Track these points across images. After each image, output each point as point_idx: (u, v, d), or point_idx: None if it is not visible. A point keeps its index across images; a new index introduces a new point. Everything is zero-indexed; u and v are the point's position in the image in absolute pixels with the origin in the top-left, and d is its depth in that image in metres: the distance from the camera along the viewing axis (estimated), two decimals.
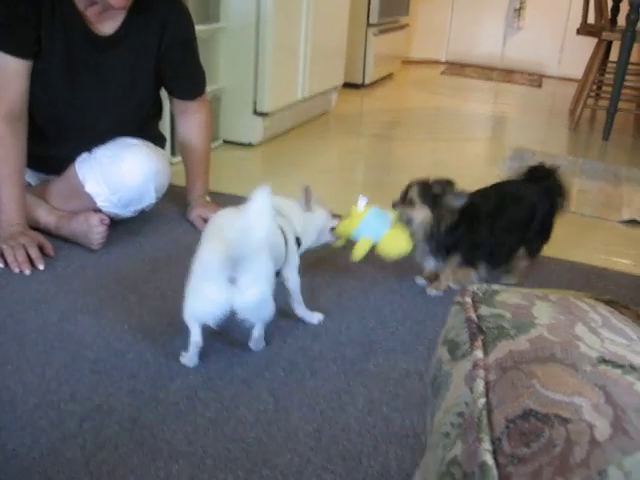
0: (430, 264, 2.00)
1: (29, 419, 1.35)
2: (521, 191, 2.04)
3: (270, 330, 1.70)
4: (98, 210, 2.11)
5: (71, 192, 2.15)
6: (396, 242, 1.85)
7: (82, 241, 2.08)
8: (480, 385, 0.52)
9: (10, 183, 2.00)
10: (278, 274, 1.70)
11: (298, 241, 1.76)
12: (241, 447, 1.32)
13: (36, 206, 2.13)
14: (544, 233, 2.05)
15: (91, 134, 2.15)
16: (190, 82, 2.34)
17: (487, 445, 0.46)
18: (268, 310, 1.56)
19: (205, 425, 1.37)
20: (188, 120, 2.37)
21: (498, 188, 2.05)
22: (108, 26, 2.06)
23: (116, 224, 2.15)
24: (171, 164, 2.41)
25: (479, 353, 0.56)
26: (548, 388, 0.49)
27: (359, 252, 1.85)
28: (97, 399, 1.43)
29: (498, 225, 1.96)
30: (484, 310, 0.62)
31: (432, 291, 2.01)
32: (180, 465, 1.26)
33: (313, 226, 1.83)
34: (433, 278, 2.03)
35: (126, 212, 2.16)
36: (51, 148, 2.20)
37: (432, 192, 1.89)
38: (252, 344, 1.64)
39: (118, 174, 2.09)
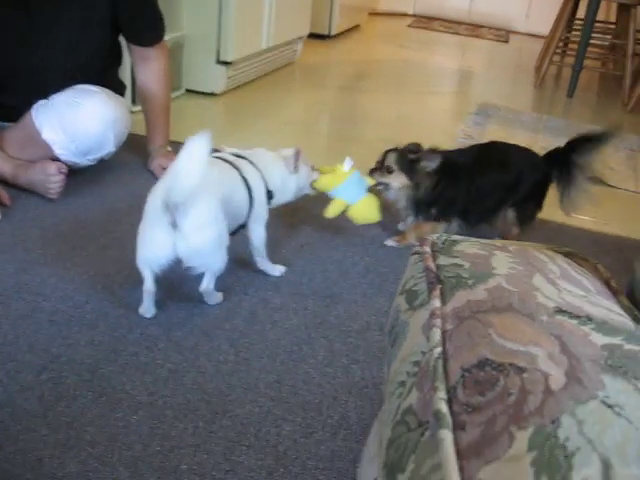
0: (405, 225, 2.04)
1: None
2: (509, 154, 2.03)
3: (229, 281, 1.70)
4: (56, 159, 2.07)
5: (27, 140, 2.10)
6: (369, 209, 1.87)
7: (40, 190, 2.04)
8: (437, 334, 0.52)
9: None
10: (243, 227, 1.68)
11: (270, 194, 1.73)
12: (201, 398, 1.32)
13: None
14: (534, 200, 2.04)
15: (46, 80, 2.09)
16: (147, 28, 2.27)
17: (442, 394, 0.46)
18: (217, 260, 1.53)
19: (165, 376, 1.37)
20: (147, 68, 2.31)
21: (486, 147, 2.05)
22: None
23: (75, 173, 2.11)
24: (131, 112, 2.35)
25: (437, 302, 0.55)
26: (504, 337, 0.49)
27: (334, 210, 1.85)
28: (55, 350, 1.41)
29: (476, 183, 1.97)
30: (443, 260, 0.62)
31: (390, 242, 2.03)
32: (140, 416, 1.26)
33: (294, 185, 1.81)
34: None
35: (85, 160, 2.11)
36: (6, 95, 2.14)
37: (408, 158, 1.91)
38: (204, 297, 1.61)
39: (76, 121, 2.04)
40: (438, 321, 0.53)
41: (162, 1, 2.28)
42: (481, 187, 1.98)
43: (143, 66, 2.31)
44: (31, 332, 1.46)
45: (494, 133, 3.16)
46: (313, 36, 4.72)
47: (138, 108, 2.61)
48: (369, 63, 4.82)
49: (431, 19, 6.83)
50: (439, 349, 0.50)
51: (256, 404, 1.32)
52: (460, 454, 0.41)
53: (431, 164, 1.89)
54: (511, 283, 0.55)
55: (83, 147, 2.07)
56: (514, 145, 2.10)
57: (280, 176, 1.75)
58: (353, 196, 1.85)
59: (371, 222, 1.90)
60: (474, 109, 3.65)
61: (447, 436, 0.42)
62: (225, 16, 3.19)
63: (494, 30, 6.61)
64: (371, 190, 1.90)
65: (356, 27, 5.78)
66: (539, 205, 2.06)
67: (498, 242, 0.66)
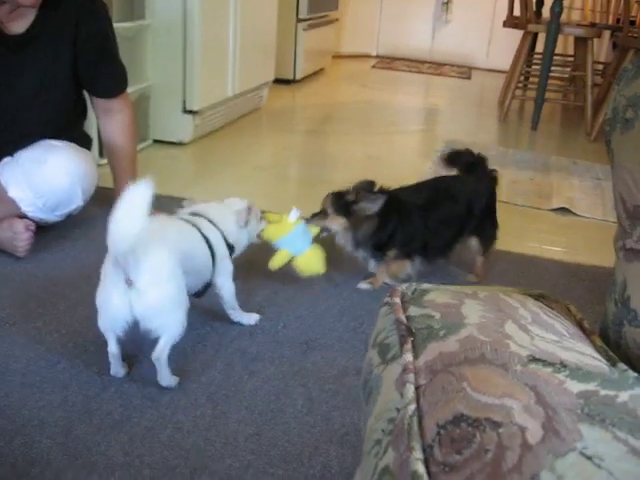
0: (372, 266, 2.02)
1: None
2: (456, 185, 2.07)
3: (204, 332, 1.68)
4: (23, 216, 2.04)
5: None
6: (314, 262, 1.87)
7: (7, 248, 2.01)
8: (410, 390, 0.51)
9: None
10: (210, 285, 1.67)
11: (231, 248, 1.72)
12: (179, 454, 1.29)
13: None
14: (490, 220, 2.08)
15: (9, 136, 2.08)
16: (109, 79, 2.25)
17: (418, 453, 0.45)
18: (175, 320, 1.45)
19: (141, 434, 1.34)
20: (111, 120, 2.28)
21: (432, 183, 2.08)
22: (19, 25, 1.99)
23: (43, 229, 2.09)
24: (98, 165, 2.34)
25: (409, 356, 0.55)
26: (478, 391, 0.48)
27: (278, 262, 1.86)
28: (27, 413, 1.38)
29: (431, 218, 1.98)
30: (413, 310, 0.61)
31: (363, 285, 2.03)
32: (117, 477, 1.22)
33: (246, 238, 1.80)
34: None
35: (52, 216, 2.09)
36: None
37: (345, 200, 1.91)
38: (158, 374, 1.47)
39: (42, 177, 2.02)
40: (411, 376, 0.52)
41: (127, 52, 2.29)
42: (437, 222, 2.00)
43: (107, 119, 2.28)
44: (1, 396, 1.42)
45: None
46: (278, 81, 4.77)
47: (105, 161, 2.60)
48: (335, 105, 4.87)
49: (394, 59, 6.94)
50: (413, 406, 0.49)
51: (236, 458, 1.29)
52: None
53: (372, 206, 1.89)
54: (483, 332, 0.55)
55: (50, 203, 2.05)
56: (456, 176, 2.13)
57: (236, 230, 1.75)
58: (298, 248, 1.86)
59: (317, 274, 1.89)
60: (441, 146, 3.69)
61: None
62: (190, 66, 3.22)
63: (456, 67, 6.74)
64: (318, 241, 1.90)
65: (321, 70, 5.85)
66: (496, 227, 2.10)
67: (468, 289, 0.66)
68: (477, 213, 2.03)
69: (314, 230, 1.91)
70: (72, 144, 2.15)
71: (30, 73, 2.06)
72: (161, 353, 1.44)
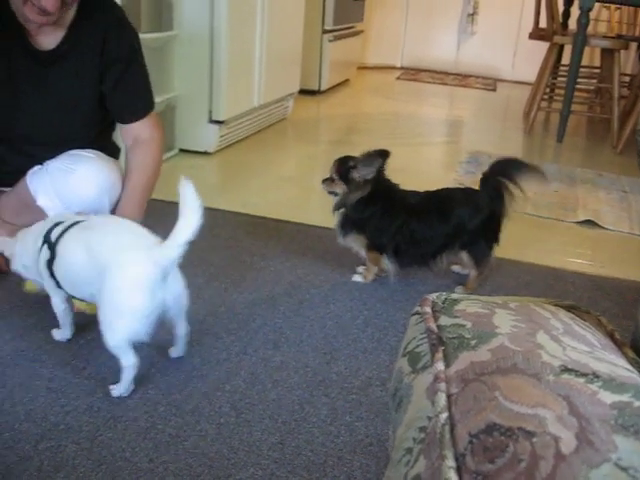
0: (339, 240, 2.07)
1: None
2: (452, 201, 2.04)
3: (228, 341, 1.69)
4: None
5: (22, 206, 2.10)
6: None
7: None
8: (442, 399, 0.51)
9: None
10: None
11: None
12: (203, 462, 1.29)
13: None
14: (485, 239, 2.04)
15: (38, 147, 2.10)
16: (132, 100, 2.15)
17: (451, 462, 0.45)
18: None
19: (166, 441, 1.34)
20: (134, 151, 2.13)
21: (433, 193, 2.08)
22: (49, 41, 2.00)
23: None
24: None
25: (440, 365, 0.55)
26: (511, 400, 0.48)
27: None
28: (54, 418, 1.39)
29: (410, 227, 2.00)
30: (444, 320, 0.61)
31: (356, 277, 2.09)
32: None
33: None
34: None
35: None
36: (2, 160, 2.15)
37: (347, 165, 1.98)
38: (179, 345, 1.61)
39: (70, 187, 2.03)
40: (442, 385, 0.52)
41: (154, 63, 2.30)
42: (415, 233, 2.00)
43: (132, 147, 2.14)
44: (28, 400, 1.44)
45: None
46: (304, 92, 4.79)
47: None
48: (359, 116, 4.88)
49: (419, 71, 6.95)
50: (445, 414, 0.49)
51: (259, 467, 1.29)
52: None
53: (364, 173, 1.96)
54: (514, 342, 0.55)
55: (78, 213, 2.07)
56: (461, 190, 2.13)
57: None
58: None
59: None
60: (465, 157, 3.68)
61: None
62: (216, 76, 3.24)
63: (481, 79, 6.72)
64: None
65: (345, 81, 5.87)
66: (491, 243, 2.05)
67: (499, 299, 0.66)
68: (470, 229, 1.99)
69: None
70: (101, 154, 2.17)
71: (57, 89, 2.07)
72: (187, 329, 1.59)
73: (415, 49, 7.05)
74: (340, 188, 2.00)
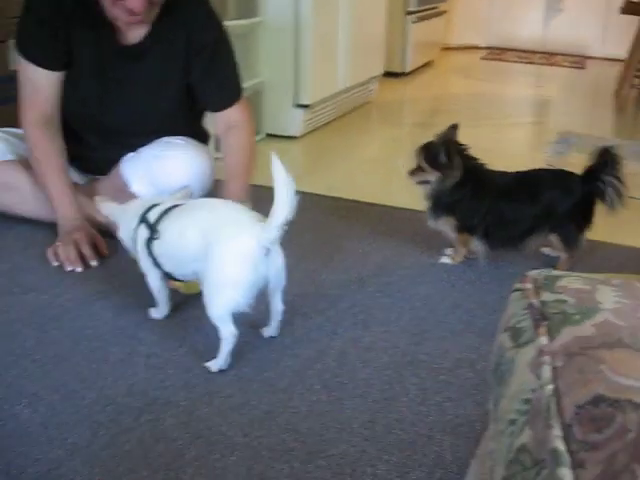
0: (430, 222, 2.07)
1: (87, 414, 1.38)
2: (544, 182, 2.01)
3: (319, 321, 1.72)
4: None
5: (117, 192, 2.18)
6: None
7: None
8: (547, 371, 0.51)
9: (57, 181, 2.05)
10: None
11: None
12: (295, 438, 1.32)
13: (86, 205, 2.17)
14: (576, 222, 2.00)
15: (129, 137, 2.18)
16: (219, 91, 2.19)
17: (557, 431, 0.46)
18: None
19: (260, 416, 1.38)
20: (228, 137, 2.18)
21: (524, 173, 2.04)
22: (134, 36, 2.06)
23: None
24: (215, 159, 2.41)
25: (544, 339, 0.55)
26: (618, 373, 0.48)
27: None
28: (152, 393, 1.45)
29: (499, 207, 1.98)
30: (546, 296, 0.61)
31: (444, 259, 2.09)
32: (236, 457, 1.27)
33: None
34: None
35: None
36: (95, 150, 2.24)
37: (435, 151, 1.97)
38: (273, 324, 1.66)
39: (163, 174, 2.10)
40: (547, 358, 0.53)
41: (240, 50, 2.33)
42: (505, 214, 1.99)
43: (225, 133, 2.18)
44: (129, 375, 1.51)
45: (576, 161, 3.10)
46: (388, 74, 4.77)
47: (220, 154, 2.68)
48: (444, 98, 4.83)
49: (504, 50, 6.81)
50: (550, 386, 0.50)
51: (350, 444, 1.32)
52: None
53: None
54: (619, 318, 0.55)
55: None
56: (552, 171, 2.11)
57: None
58: None
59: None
60: (554, 138, 3.60)
61: (567, 474, 0.42)
62: (301, 60, 3.27)
63: (569, 57, 6.53)
64: None
65: (429, 63, 5.81)
66: (582, 227, 2.00)
67: (600, 276, 0.66)
68: (561, 212, 1.96)
69: None
70: (191, 140, 2.23)
71: (144, 82, 2.13)
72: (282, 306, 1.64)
73: (500, 28, 6.90)
74: (433, 175, 1.98)
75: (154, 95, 2.15)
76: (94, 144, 2.24)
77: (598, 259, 2.13)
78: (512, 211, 1.98)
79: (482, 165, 2.01)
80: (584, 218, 1.99)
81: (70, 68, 2.06)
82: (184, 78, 2.13)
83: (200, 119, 2.44)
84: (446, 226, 2.04)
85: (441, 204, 2.00)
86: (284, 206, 1.42)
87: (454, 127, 2.01)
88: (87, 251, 1.99)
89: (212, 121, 2.30)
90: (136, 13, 1.87)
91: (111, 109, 2.15)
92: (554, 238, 1.99)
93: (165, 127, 2.21)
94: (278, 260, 1.53)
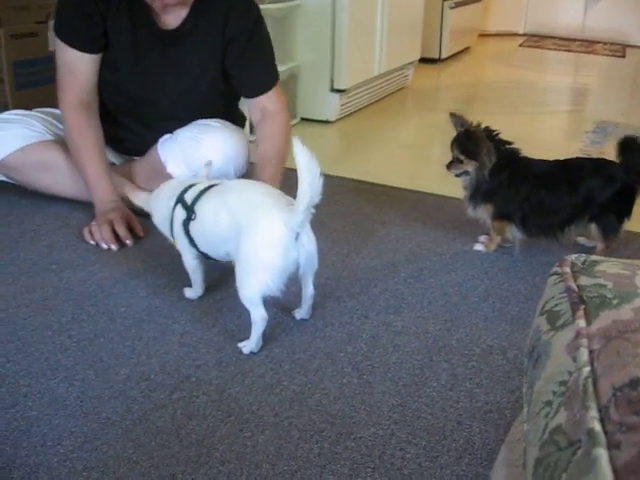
0: (469, 211, 2.06)
1: (122, 389, 1.41)
2: (583, 171, 1.98)
3: (350, 305, 1.73)
4: None
5: (153, 173, 2.20)
6: None
7: None
8: (584, 354, 0.51)
9: (94, 163, 2.08)
10: None
11: None
12: (325, 419, 1.34)
13: (121, 185, 2.20)
14: (615, 212, 1.97)
15: (166, 120, 2.20)
16: (256, 76, 2.20)
17: (594, 413, 0.46)
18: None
19: (290, 397, 1.40)
20: (263, 124, 2.19)
21: (564, 162, 2.03)
22: (173, 20, 2.08)
23: None
24: (250, 142, 2.42)
25: (581, 322, 0.55)
26: None
27: None
28: (185, 371, 1.47)
29: (538, 195, 1.96)
30: (584, 280, 0.61)
31: (478, 246, 2.09)
32: (267, 436, 1.29)
33: None
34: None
35: None
36: (131, 132, 2.26)
37: (470, 142, 1.97)
38: (305, 307, 1.67)
39: (198, 155, 2.12)
40: (584, 341, 0.53)
41: (277, 33, 2.34)
42: (543, 202, 1.97)
43: (260, 119, 2.20)
44: (162, 353, 1.53)
45: (613, 151, 3.06)
46: (424, 60, 4.74)
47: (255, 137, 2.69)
48: (480, 85, 4.78)
49: (543, 37, 6.71)
50: (587, 368, 0.50)
51: (380, 427, 1.32)
52: (617, 473, 0.41)
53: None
54: None
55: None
56: (592, 160, 2.07)
57: None
58: None
59: None
60: (591, 127, 3.55)
61: (602, 455, 0.42)
62: (338, 45, 3.26)
63: (609, 45, 6.43)
64: None
65: (466, 49, 5.76)
66: (622, 217, 1.98)
67: (639, 262, 0.65)
68: (600, 201, 1.93)
69: None
70: (227, 123, 2.24)
71: (181, 66, 2.15)
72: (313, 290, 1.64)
73: (539, 15, 6.80)
74: (471, 166, 1.97)
75: (192, 79, 2.17)
76: (131, 127, 2.26)
77: (630, 250, 2.11)
78: (551, 199, 1.96)
79: (518, 151, 2.00)
80: (624, 208, 1.96)
81: (107, 52, 2.08)
82: (221, 63, 2.14)
83: (236, 102, 2.45)
84: (484, 214, 2.03)
85: (480, 192, 1.99)
86: (308, 190, 1.41)
87: (453, 115, 2.05)
88: (122, 231, 2.02)
89: (248, 107, 2.31)
90: None
91: (149, 93, 2.17)
92: (593, 228, 1.97)
93: (202, 110, 2.22)
94: (309, 245, 1.53)
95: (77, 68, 2.07)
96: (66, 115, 2.10)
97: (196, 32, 2.09)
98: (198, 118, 2.21)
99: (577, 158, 2.08)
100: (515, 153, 1.99)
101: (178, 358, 1.51)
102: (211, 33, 2.10)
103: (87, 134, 2.09)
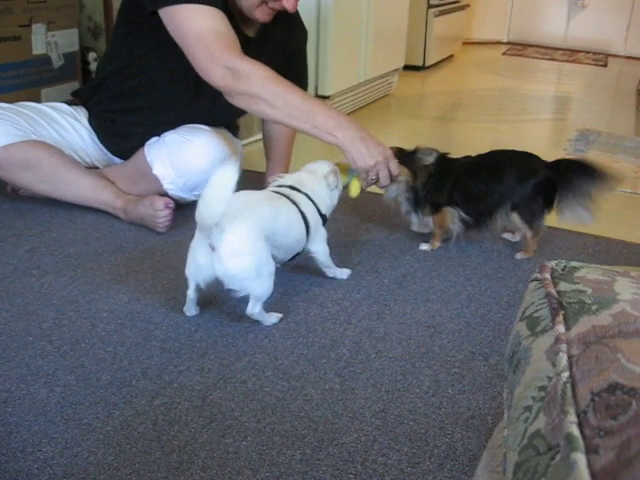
0: (414, 222, 2.14)
1: (103, 395, 1.40)
2: (505, 161, 2.09)
3: (333, 311, 1.73)
4: (164, 194, 2.15)
5: (138, 175, 2.20)
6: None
7: (149, 224, 2.13)
8: (563, 359, 0.52)
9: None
10: (300, 253, 1.81)
11: (324, 218, 1.85)
12: (308, 425, 1.33)
13: (104, 188, 2.19)
14: (537, 201, 2.02)
15: (211, 120, 2.26)
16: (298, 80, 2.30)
17: (572, 417, 0.46)
18: (255, 287, 1.60)
19: (273, 403, 1.39)
20: (274, 126, 2.41)
21: (486, 155, 2.12)
22: (251, 29, 2.17)
23: (182, 207, 2.19)
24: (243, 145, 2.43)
25: (561, 328, 0.56)
26: (634, 362, 0.49)
27: (355, 191, 1.96)
28: (167, 377, 1.46)
29: (464, 183, 2.06)
30: (564, 286, 0.62)
31: (423, 246, 2.14)
32: (249, 442, 1.28)
33: (335, 199, 1.93)
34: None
35: (191, 196, 2.19)
36: (144, 126, 2.25)
37: (405, 152, 2.04)
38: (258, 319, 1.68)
39: (185, 158, 2.12)
40: (563, 346, 0.53)
41: None
42: (470, 189, 2.04)
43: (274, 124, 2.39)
44: (144, 359, 1.52)
45: (596, 159, 3.09)
46: (408, 67, 4.76)
47: (247, 141, 2.72)
48: (464, 92, 4.81)
49: (526, 46, 6.77)
50: (566, 373, 0.50)
51: (362, 433, 1.32)
52: (595, 477, 0.41)
53: (428, 158, 2.04)
54: (636, 309, 0.55)
55: (190, 183, 2.15)
56: (515, 151, 2.13)
57: (327, 197, 1.87)
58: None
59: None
60: (574, 135, 3.58)
61: (580, 459, 0.43)
62: (322, 51, 3.27)
63: (592, 54, 6.49)
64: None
65: (450, 57, 5.79)
66: (544, 206, 2.03)
67: (619, 268, 0.66)
68: (525, 190, 2.01)
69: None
70: (219, 129, 2.26)
71: None
72: (251, 310, 1.63)
73: (522, 23, 6.86)
74: (402, 173, 2.01)
75: None
76: (147, 122, 2.25)
77: (610, 257, 2.12)
78: (477, 186, 2.04)
79: (445, 153, 2.09)
80: (545, 199, 2.02)
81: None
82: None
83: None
84: (427, 216, 2.10)
85: (418, 200, 2.07)
86: (200, 212, 1.48)
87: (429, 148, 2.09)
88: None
89: None
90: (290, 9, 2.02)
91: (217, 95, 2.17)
92: (515, 217, 2.03)
93: (229, 116, 2.36)
94: (226, 264, 1.54)
95: (222, 27, 1.92)
96: (243, 64, 1.90)
97: (267, 44, 2.21)
98: (220, 124, 2.26)
99: (500, 150, 2.16)
100: (442, 155, 2.08)
101: (160, 364, 1.51)
102: (277, 46, 2.24)
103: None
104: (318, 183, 1.86)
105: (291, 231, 1.72)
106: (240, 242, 1.55)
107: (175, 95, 2.21)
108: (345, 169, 1.97)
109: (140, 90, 2.23)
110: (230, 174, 1.43)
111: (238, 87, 1.87)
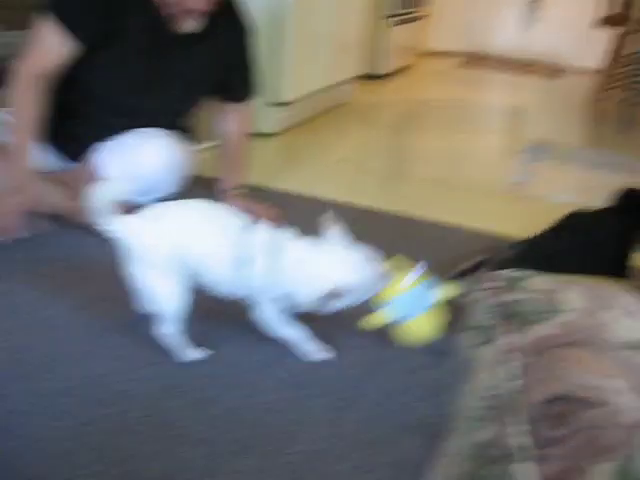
0: None
1: (51, 404, 1.36)
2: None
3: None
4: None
5: (89, 177, 2.16)
6: (423, 328, 1.56)
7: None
8: (512, 369, 0.52)
9: (26, 132, 2.00)
10: None
11: None
12: (260, 433, 1.32)
13: (55, 192, 2.15)
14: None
15: (153, 122, 2.21)
16: (241, 86, 2.38)
17: (522, 426, 0.46)
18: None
19: (225, 412, 1.38)
20: (227, 117, 2.38)
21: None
22: (187, 25, 2.11)
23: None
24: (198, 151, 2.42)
25: (509, 337, 0.56)
26: (580, 372, 0.49)
27: (375, 322, 1.55)
28: (118, 386, 1.43)
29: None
30: (512, 295, 0.62)
31: None
32: (200, 451, 1.27)
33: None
34: None
35: (145, 200, 2.16)
36: (85, 127, 2.20)
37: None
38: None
39: (137, 162, 2.10)
40: (512, 355, 0.53)
41: None
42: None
43: (225, 114, 2.38)
44: (95, 367, 1.49)
45: (549, 170, 3.14)
46: (366, 76, 4.79)
47: (203, 146, 2.71)
48: (421, 102, 4.85)
49: (482, 57, 6.86)
50: (515, 383, 0.50)
51: (314, 441, 1.31)
52: None
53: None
54: (583, 318, 0.56)
55: (141, 188, 2.12)
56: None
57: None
58: (406, 313, 1.54)
59: (424, 340, 1.57)
60: (527, 146, 3.64)
61: (530, 468, 0.43)
62: (282, 58, 3.27)
63: (546, 66, 6.60)
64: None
65: (408, 66, 5.84)
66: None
67: (566, 277, 0.67)
68: None
69: (445, 292, 1.57)
70: (171, 133, 2.23)
71: (189, 72, 2.17)
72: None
73: (479, 35, 6.97)
74: None
75: (193, 87, 2.20)
76: (114, 127, 2.21)
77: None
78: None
79: None
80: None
81: (114, 49, 2.03)
82: (214, 73, 2.23)
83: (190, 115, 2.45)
84: None
85: None
86: None
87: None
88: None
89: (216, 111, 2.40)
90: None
91: (154, 95, 2.14)
92: None
93: (168, 120, 2.27)
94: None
95: (56, 45, 1.95)
96: (20, 83, 1.96)
97: (207, 41, 2.14)
98: (169, 125, 2.23)
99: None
100: None
101: (111, 373, 1.48)
102: (219, 44, 2.18)
103: (32, 102, 1.98)
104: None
105: None
106: None
107: (121, 100, 2.18)
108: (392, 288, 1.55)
109: (84, 98, 2.19)
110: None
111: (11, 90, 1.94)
